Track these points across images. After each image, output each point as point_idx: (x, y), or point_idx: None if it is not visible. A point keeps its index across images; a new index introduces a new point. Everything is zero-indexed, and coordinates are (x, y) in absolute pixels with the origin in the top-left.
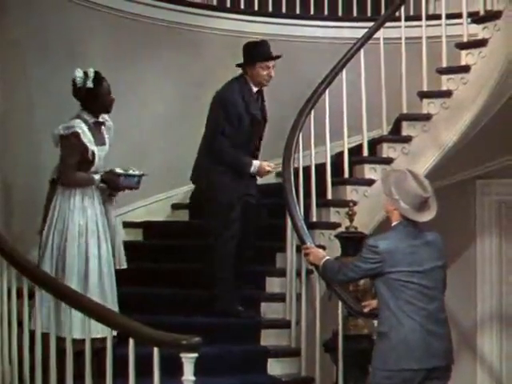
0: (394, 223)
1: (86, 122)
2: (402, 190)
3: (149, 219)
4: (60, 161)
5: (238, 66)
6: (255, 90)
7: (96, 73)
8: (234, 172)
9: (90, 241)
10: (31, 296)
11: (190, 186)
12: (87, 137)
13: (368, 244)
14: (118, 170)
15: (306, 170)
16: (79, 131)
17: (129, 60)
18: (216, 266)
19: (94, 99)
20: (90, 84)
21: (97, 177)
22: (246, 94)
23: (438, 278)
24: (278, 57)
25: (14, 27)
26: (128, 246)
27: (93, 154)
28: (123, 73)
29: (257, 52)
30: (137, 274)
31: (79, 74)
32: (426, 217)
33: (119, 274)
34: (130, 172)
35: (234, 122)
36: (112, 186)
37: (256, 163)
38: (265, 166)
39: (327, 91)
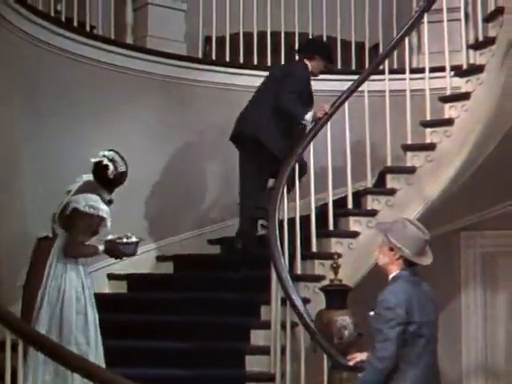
0: (394, 273)
1: (104, 200)
2: (403, 237)
3: (133, 271)
4: (69, 232)
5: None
6: None
7: (117, 153)
8: None
9: (88, 309)
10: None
11: (174, 239)
12: (109, 220)
13: (383, 306)
14: (111, 237)
15: (291, 221)
16: (106, 217)
17: (116, 112)
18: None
19: (120, 179)
20: (123, 168)
21: (101, 247)
22: None
23: (435, 330)
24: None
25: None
26: (113, 297)
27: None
28: (110, 125)
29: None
30: (121, 326)
31: (107, 161)
32: (428, 260)
33: (104, 327)
34: (129, 240)
35: None
36: (114, 255)
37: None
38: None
39: (312, 143)
